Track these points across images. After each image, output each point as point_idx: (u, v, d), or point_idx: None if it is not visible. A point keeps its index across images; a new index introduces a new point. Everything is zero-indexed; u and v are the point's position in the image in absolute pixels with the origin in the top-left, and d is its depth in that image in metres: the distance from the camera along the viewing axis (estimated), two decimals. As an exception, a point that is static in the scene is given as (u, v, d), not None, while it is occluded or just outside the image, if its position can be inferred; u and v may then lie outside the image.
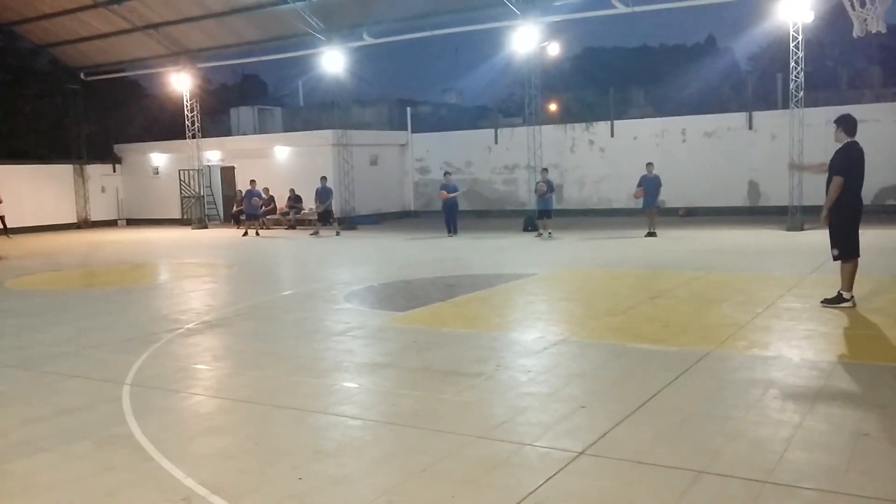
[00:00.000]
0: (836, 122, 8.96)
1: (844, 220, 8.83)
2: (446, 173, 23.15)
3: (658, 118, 27.02)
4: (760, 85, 27.79)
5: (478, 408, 5.79)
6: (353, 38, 24.31)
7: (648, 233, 18.60)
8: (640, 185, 19.07)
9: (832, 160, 8.86)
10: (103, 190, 32.24)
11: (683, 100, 30.95)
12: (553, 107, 34.95)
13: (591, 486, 4.30)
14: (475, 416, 5.57)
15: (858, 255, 8.93)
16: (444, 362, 7.21)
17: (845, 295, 8.87)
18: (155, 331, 9.19)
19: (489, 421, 5.43)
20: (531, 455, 4.77)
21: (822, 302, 9.02)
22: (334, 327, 9.14)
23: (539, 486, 4.23)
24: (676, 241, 17.45)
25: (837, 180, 8.66)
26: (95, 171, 31.98)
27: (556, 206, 21.51)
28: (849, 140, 8.79)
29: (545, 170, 21.38)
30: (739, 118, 24.85)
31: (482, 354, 7.45)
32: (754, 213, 23.84)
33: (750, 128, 24.41)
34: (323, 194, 23.94)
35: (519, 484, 4.29)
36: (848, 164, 8.67)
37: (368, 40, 23.99)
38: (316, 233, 23.57)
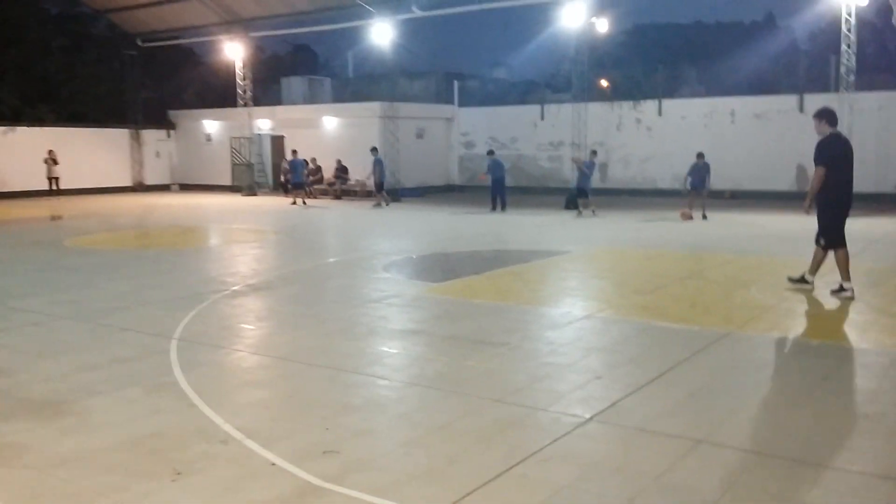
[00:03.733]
0: (815, 115, 9.02)
1: (831, 210, 8.94)
2: (489, 152, 23.22)
3: (706, 98, 26.75)
4: (814, 67, 27.24)
5: (499, 374, 6.13)
6: (402, 10, 24.54)
7: (684, 214, 18.47)
8: (689, 173, 18.90)
9: (815, 151, 8.92)
10: (158, 155, 33.18)
11: (736, 80, 30.47)
12: (602, 83, 34.76)
13: (593, 448, 4.62)
14: (495, 382, 5.91)
15: (845, 245, 8.97)
16: (472, 331, 7.55)
17: (845, 286, 8.90)
18: (203, 291, 9.70)
19: (508, 386, 5.76)
20: (542, 419, 5.10)
21: (831, 292, 9.01)
22: (371, 294, 9.55)
23: (544, 447, 4.56)
24: (718, 225, 17.46)
25: (819, 171, 8.75)
26: (151, 136, 32.91)
27: (598, 185, 21.57)
28: (831, 132, 8.85)
29: (594, 152, 21.46)
30: (790, 101, 24.46)
31: (509, 326, 7.78)
32: (802, 199, 23.52)
33: (801, 111, 24.01)
34: (377, 165, 23.92)
35: (526, 443, 4.63)
36: (829, 155, 8.74)
37: (417, 13, 24.19)
38: (379, 204, 23.57)
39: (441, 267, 12.30)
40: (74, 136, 29.72)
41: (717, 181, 23.54)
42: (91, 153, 30.31)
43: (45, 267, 12.11)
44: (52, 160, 27.30)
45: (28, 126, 28.86)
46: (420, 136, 29.65)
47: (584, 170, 20.09)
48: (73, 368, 6.33)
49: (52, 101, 31.92)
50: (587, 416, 5.10)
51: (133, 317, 8.32)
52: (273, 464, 4.35)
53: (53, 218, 20.29)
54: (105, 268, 12.05)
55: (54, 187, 27.20)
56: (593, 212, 19.79)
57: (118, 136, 31.77)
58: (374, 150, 24.13)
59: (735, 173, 24.53)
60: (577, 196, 20.45)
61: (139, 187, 32.01)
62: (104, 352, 6.83)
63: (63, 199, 26.34)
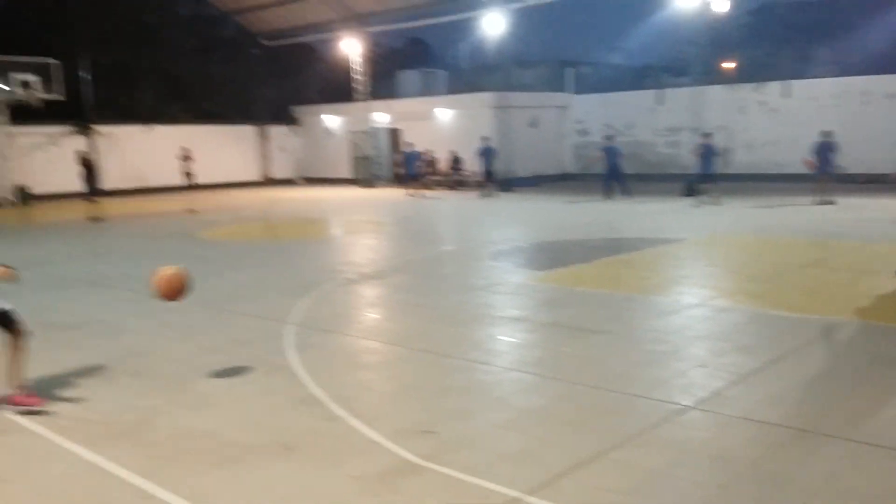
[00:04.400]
0: None
1: None
2: (607, 137, 22.84)
3: (836, 78, 25.23)
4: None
5: (598, 361, 6.13)
6: (514, 0, 24.51)
7: (822, 201, 17.58)
8: (815, 151, 17.99)
9: None
10: (283, 149, 34.62)
11: (870, 58, 28.58)
12: (724, 66, 33.42)
13: (691, 436, 4.58)
14: (594, 368, 5.92)
15: None
16: (575, 319, 7.57)
17: None
18: (319, 279, 10.15)
19: (607, 373, 5.77)
20: (640, 405, 5.09)
21: None
22: (477, 282, 9.70)
23: (640, 433, 4.57)
24: (849, 210, 16.52)
25: None
26: (276, 131, 34.39)
27: (721, 170, 20.77)
28: None
29: (708, 134, 20.74)
30: (931, 78, 22.74)
31: (614, 314, 7.73)
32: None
33: (944, 88, 22.28)
34: (487, 154, 24.03)
35: (622, 428, 4.65)
36: None
37: (529, 1, 24.09)
38: (488, 194, 23.70)
39: (548, 255, 12.30)
40: (206, 133, 31.45)
41: (850, 165, 22.22)
42: (221, 149, 31.97)
43: (179, 257, 12.95)
44: (186, 157, 29.02)
45: (164, 125, 30.78)
46: (533, 125, 29.53)
47: (706, 154, 19.38)
48: (197, 350, 6.82)
49: (185, 100, 33.91)
50: (687, 403, 5.05)
51: (254, 303, 8.82)
52: (374, 441, 4.57)
53: (188, 211, 21.61)
54: (232, 258, 12.79)
55: (189, 182, 28.89)
56: (713, 199, 19.10)
57: (246, 133, 33.40)
58: (485, 139, 24.18)
59: (868, 156, 23.06)
60: (699, 182, 19.77)
61: (266, 181, 33.52)
62: (225, 335, 7.31)
63: (197, 194, 27.97)
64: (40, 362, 5.93)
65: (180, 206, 22.43)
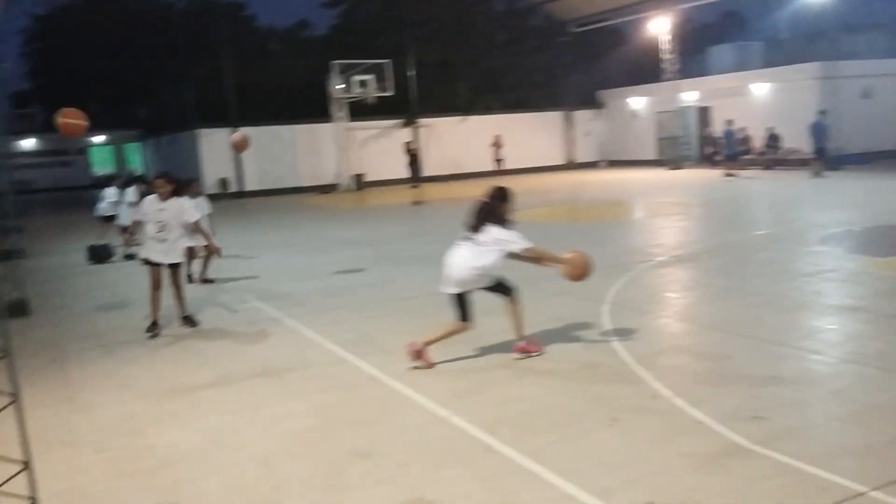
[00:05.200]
0: None
1: None
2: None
3: None
4: None
5: (957, 358, 5.49)
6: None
7: None
8: None
9: None
10: (588, 133, 34.95)
11: None
12: None
13: None
14: (952, 366, 5.32)
15: None
16: (924, 311, 6.81)
17: None
18: (630, 261, 10.21)
19: (968, 372, 5.16)
20: None
21: None
22: (804, 268, 9.09)
23: None
24: None
25: None
26: (581, 116, 34.79)
27: None
28: None
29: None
30: None
31: (975, 307, 6.82)
32: None
33: None
34: (818, 130, 21.99)
35: None
36: None
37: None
38: (818, 173, 21.80)
39: (889, 240, 11.08)
40: (515, 121, 32.82)
41: None
42: (529, 136, 33.15)
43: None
44: (497, 144, 30.66)
45: (478, 115, 32.70)
46: (867, 95, 26.45)
47: None
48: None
49: (497, 90, 35.67)
50: None
51: (567, 283, 9.12)
52: (700, 422, 4.59)
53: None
54: (544, 239, 13.20)
55: (499, 168, 30.49)
56: None
57: (552, 119, 34.25)
58: (821, 114, 22.14)
59: None
60: None
61: (571, 165, 34.12)
62: (546, 312, 7.70)
63: (507, 179, 29.38)
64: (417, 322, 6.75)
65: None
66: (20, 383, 5.06)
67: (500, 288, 6.21)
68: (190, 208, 8.02)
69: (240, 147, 10.20)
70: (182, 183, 9.05)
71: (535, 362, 6.04)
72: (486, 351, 6.38)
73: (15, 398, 3.22)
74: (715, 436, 4.38)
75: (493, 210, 6.10)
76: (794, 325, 6.71)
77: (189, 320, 7.93)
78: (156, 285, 7.68)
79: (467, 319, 6.03)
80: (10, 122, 30.52)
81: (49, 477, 4.18)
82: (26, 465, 3.27)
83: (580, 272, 6.24)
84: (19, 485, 3.31)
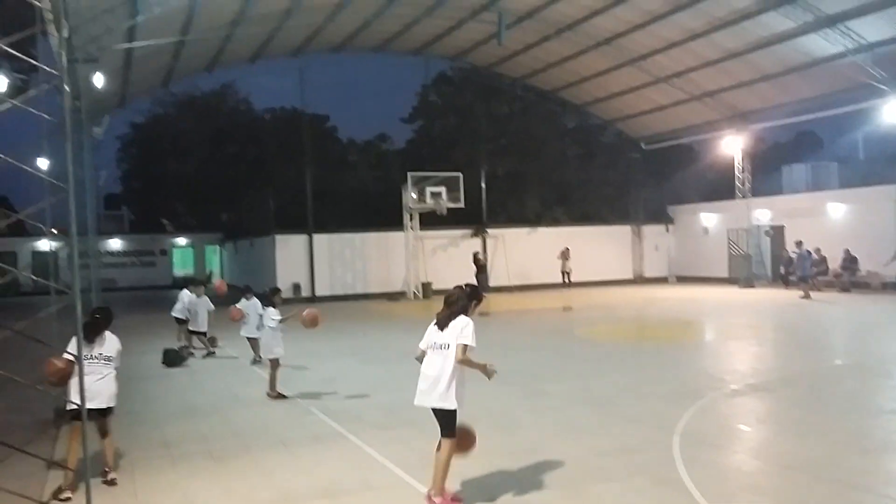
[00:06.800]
0: None
1: None
2: None
3: None
4: None
5: None
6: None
7: None
8: None
9: None
10: (657, 248, 34.72)
11: None
12: None
13: None
14: None
15: None
16: None
17: None
18: (701, 387, 9.92)
19: None
20: None
21: None
22: (887, 404, 8.68)
23: None
24: None
25: None
26: (650, 231, 34.71)
27: None
28: None
29: None
30: None
31: None
32: None
33: None
34: None
35: None
36: None
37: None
38: None
39: (981, 377, 10.50)
40: (583, 234, 32.94)
41: None
42: (597, 249, 33.12)
43: (560, 354, 13.67)
44: (565, 256, 30.74)
45: (546, 227, 33.00)
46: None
47: None
48: (588, 453, 7.08)
49: (566, 203, 36.06)
50: None
51: (637, 408, 8.92)
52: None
53: (565, 309, 22.65)
54: (609, 358, 13.09)
55: (567, 280, 30.45)
56: None
57: (621, 233, 34.26)
58: None
59: None
60: None
61: (638, 280, 33.79)
62: (613, 440, 7.51)
63: (574, 292, 29.23)
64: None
65: (558, 303, 23.60)
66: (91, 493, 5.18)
67: (449, 421, 5.68)
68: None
69: (311, 324, 10.05)
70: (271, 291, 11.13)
71: (608, 494, 5.84)
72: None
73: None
74: None
75: (465, 306, 5.90)
76: (880, 469, 6.37)
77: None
78: None
79: (456, 434, 5.66)
80: (100, 224, 32.18)
81: None
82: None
83: (466, 445, 5.81)
84: None
